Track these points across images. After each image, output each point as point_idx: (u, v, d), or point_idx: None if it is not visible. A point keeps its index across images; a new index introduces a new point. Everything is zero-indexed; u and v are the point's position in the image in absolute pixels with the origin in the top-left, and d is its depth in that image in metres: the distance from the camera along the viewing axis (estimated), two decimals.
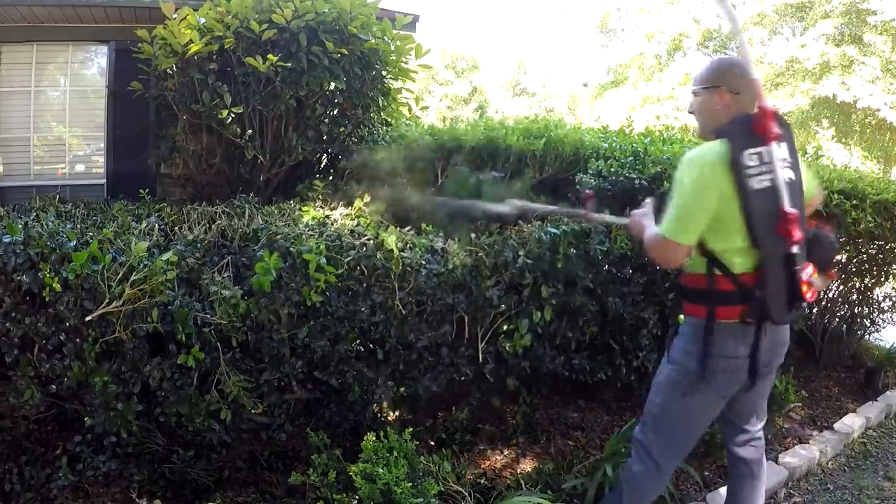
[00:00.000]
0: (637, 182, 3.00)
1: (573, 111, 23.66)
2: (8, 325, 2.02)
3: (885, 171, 12.90)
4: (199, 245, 2.53)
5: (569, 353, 2.84)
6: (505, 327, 2.67)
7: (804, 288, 1.69)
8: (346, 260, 2.38)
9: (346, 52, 3.57)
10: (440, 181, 3.72)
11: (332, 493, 2.10)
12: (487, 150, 3.83)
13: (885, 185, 3.57)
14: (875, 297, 4.18)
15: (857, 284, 4.00)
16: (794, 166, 1.76)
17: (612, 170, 3.11)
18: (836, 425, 3.32)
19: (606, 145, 3.62)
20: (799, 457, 2.96)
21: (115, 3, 4.78)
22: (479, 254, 2.58)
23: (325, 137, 4.00)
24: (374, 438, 2.15)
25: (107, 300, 2.04)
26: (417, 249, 2.54)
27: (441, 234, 2.74)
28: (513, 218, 2.68)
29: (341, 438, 2.58)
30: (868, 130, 15.00)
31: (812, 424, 3.42)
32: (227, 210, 3.11)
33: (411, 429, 2.26)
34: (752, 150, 1.65)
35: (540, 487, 2.45)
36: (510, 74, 27.54)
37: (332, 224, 2.71)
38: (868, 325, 4.30)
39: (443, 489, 2.19)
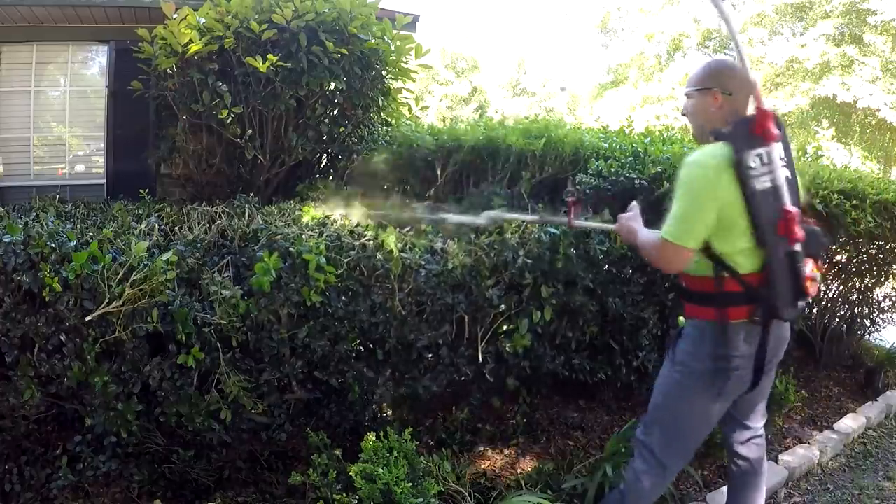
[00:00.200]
0: (637, 182, 3.00)
1: (573, 111, 23.67)
2: (8, 325, 2.02)
3: (885, 171, 12.91)
4: (199, 245, 2.53)
5: (569, 353, 2.84)
6: (505, 327, 2.67)
7: (808, 284, 1.71)
8: (346, 260, 2.38)
9: (346, 52, 3.57)
10: (440, 181, 3.73)
11: (332, 493, 2.10)
12: (487, 150, 3.83)
13: (885, 185, 3.57)
14: (875, 297, 4.18)
15: (857, 284, 4.00)
16: (790, 165, 1.78)
17: (613, 170, 3.11)
18: (836, 425, 3.32)
19: (606, 145, 3.62)
20: (799, 457, 2.96)
21: (115, 3, 4.79)
22: (479, 254, 2.58)
23: (325, 137, 4.01)
24: (374, 438, 2.15)
25: (107, 300, 2.04)
26: (417, 250, 2.54)
27: (440, 234, 2.74)
28: (489, 227, 2.66)
29: (341, 438, 2.58)
30: (868, 130, 15.01)
31: (812, 424, 3.42)
32: (227, 210, 3.11)
33: (411, 429, 2.25)
34: (754, 152, 1.66)
35: (540, 487, 2.44)
36: (510, 74, 27.55)
37: (332, 224, 2.71)
38: (868, 325, 4.30)
39: (443, 489, 2.19)
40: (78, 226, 2.82)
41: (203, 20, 3.50)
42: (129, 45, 4.06)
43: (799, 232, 1.69)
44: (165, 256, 2.17)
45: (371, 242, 2.47)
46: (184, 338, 2.15)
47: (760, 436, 2.05)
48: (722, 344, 1.75)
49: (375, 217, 2.88)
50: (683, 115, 1.92)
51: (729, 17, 1.83)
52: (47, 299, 2.01)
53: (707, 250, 1.75)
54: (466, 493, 2.29)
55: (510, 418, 3.02)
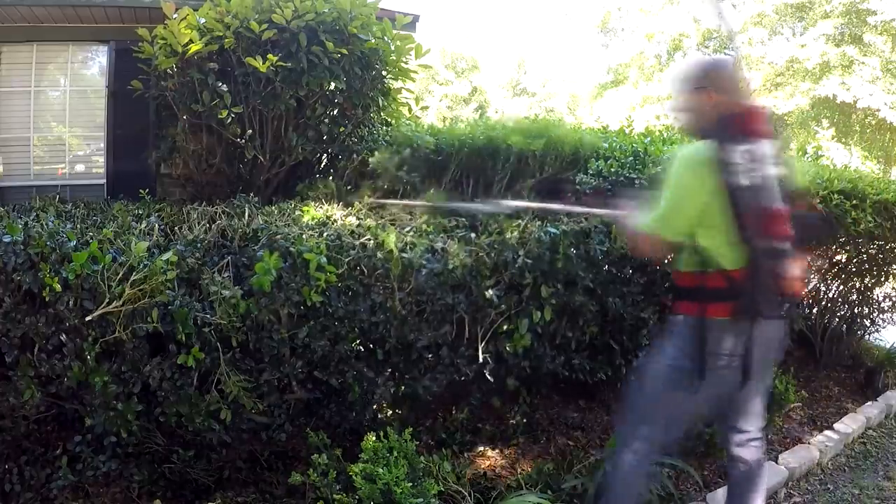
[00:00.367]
0: (637, 182, 3.00)
1: (573, 111, 23.67)
2: (8, 325, 2.02)
3: (885, 171, 12.91)
4: (199, 245, 2.53)
5: (569, 353, 2.84)
6: (505, 327, 2.67)
7: (792, 282, 1.71)
8: (346, 260, 2.38)
9: (346, 52, 3.57)
10: (442, 181, 3.73)
11: (332, 493, 2.10)
12: (487, 150, 3.82)
13: (885, 185, 3.58)
14: (875, 297, 4.18)
15: (857, 284, 4.00)
16: (780, 163, 1.78)
17: (612, 170, 3.11)
18: (836, 425, 3.32)
19: (606, 145, 3.63)
20: (799, 457, 2.96)
21: (115, 3, 4.79)
22: (479, 254, 2.58)
23: (325, 137, 4.01)
24: (374, 438, 2.15)
25: (107, 300, 2.04)
26: (417, 249, 2.54)
27: (441, 233, 2.74)
28: (507, 213, 2.69)
29: (341, 438, 2.58)
30: (868, 130, 15.02)
31: (812, 424, 3.42)
32: (227, 210, 3.11)
33: (411, 429, 2.26)
34: (739, 147, 1.67)
35: (540, 487, 2.44)
36: (510, 74, 27.56)
37: (333, 224, 2.71)
38: (868, 325, 4.30)
39: (443, 489, 2.19)
40: (78, 226, 2.82)
41: (203, 20, 3.50)
42: (129, 45, 4.06)
43: (785, 229, 1.69)
44: (165, 256, 2.17)
45: (371, 242, 2.47)
46: (184, 338, 2.15)
47: (759, 438, 2.05)
48: (704, 340, 1.75)
49: (403, 208, 2.91)
50: (676, 111, 1.94)
51: (726, 15, 1.85)
52: (47, 299, 2.01)
53: (692, 244, 1.76)
54: (466, 493, 2.29)
55: (510, 418, 3.02)
